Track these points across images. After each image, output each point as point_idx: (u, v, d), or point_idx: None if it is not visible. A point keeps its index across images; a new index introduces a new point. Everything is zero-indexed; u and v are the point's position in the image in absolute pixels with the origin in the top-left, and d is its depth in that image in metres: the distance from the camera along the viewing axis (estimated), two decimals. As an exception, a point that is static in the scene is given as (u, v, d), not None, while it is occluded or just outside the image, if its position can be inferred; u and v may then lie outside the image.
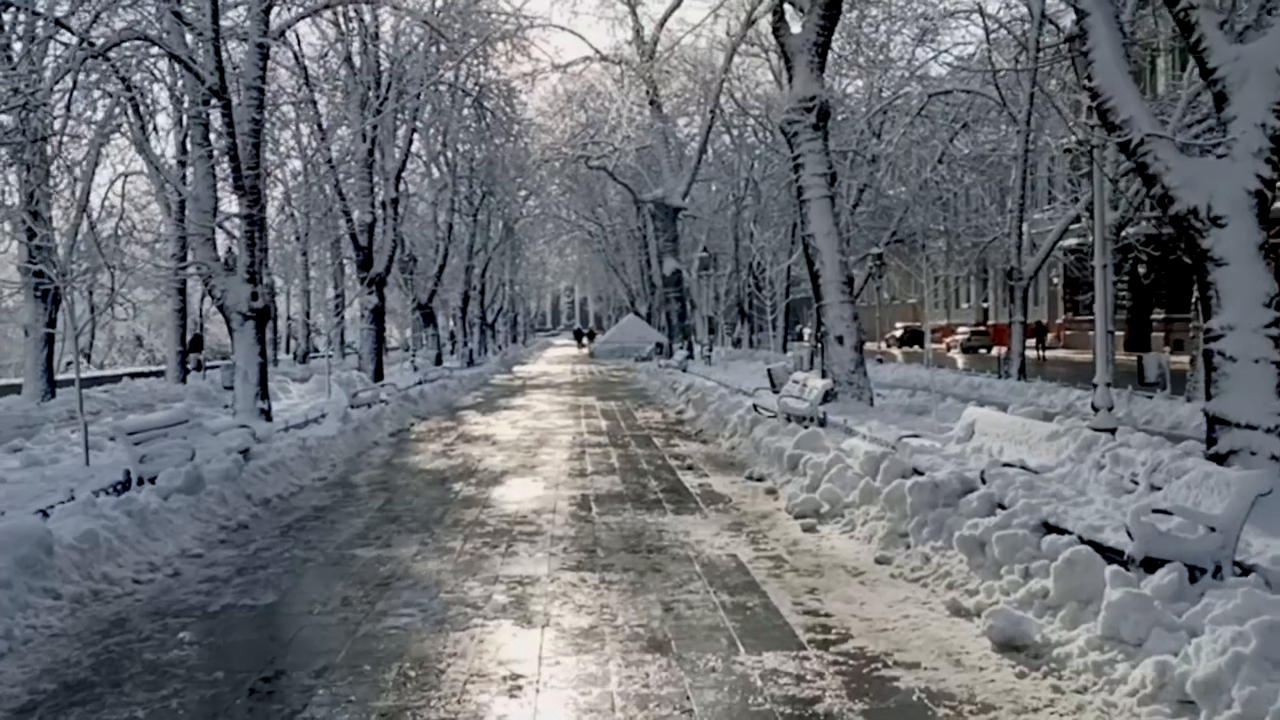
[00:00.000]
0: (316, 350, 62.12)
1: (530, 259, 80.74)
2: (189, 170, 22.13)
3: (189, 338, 44.31)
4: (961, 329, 56.22)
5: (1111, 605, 5.71)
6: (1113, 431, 11.20)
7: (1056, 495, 7.90)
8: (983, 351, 50.92)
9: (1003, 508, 8.05)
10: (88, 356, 50.60)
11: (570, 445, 17.08)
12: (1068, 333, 51.68)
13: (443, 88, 36.12)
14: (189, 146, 21.62)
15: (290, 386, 28.63)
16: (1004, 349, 32.41)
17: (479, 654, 6.21)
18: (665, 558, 8.65)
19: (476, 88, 35.59)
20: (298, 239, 48.43)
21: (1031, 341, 34.80)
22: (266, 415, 19.33)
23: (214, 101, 19.13)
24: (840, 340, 19.69)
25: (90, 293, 44.88)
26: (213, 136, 20.37)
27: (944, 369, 34.56)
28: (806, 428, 16.05)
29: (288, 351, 56.41)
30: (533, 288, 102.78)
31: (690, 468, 14.16)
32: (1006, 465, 9.00)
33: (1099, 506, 7.44)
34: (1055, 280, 51.18)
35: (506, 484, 12.97)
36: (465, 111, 38.92)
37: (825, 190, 20.14)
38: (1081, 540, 6.75)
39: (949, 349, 52.73)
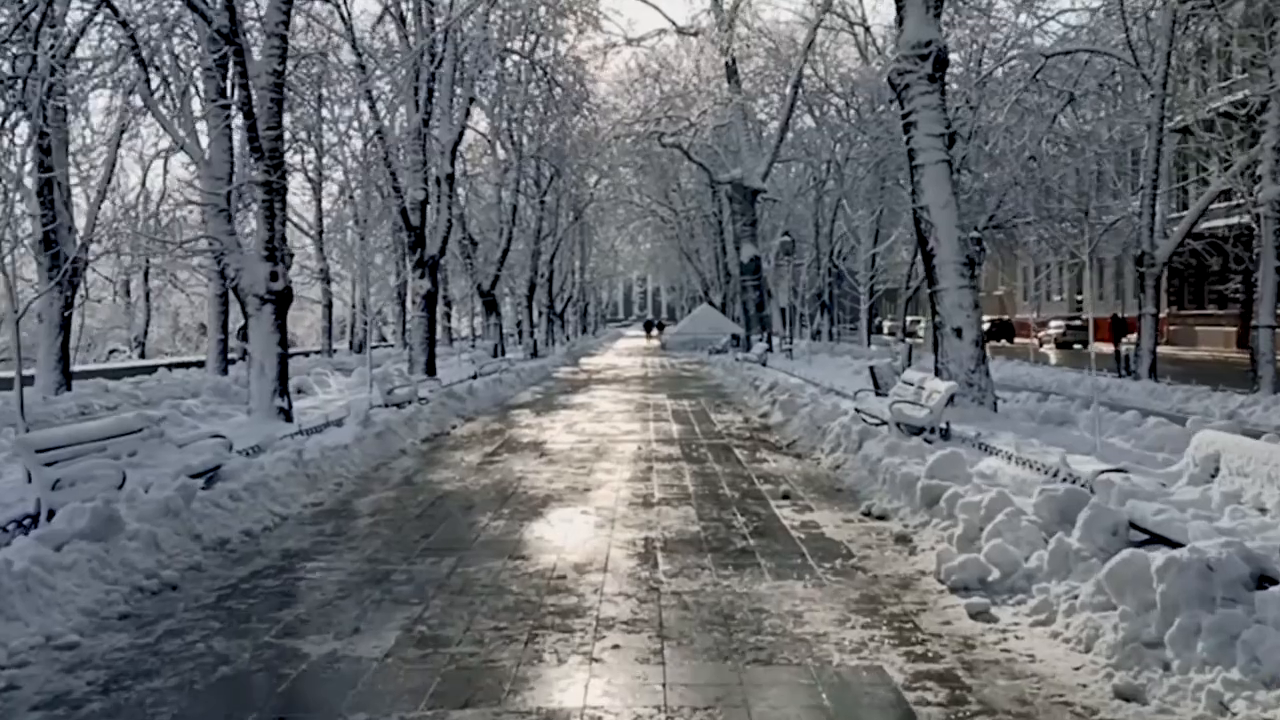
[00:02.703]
0: (384, 339, 59.92)
1: (601, 246, 78.29)
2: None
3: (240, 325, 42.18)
4: (1055, 322, 52.15)
5: None
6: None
7: None
8: (1077, 347, 47.03)
9: (1338, 615, 4.84)
10: (142, 345, 48.90)
11: (634, 459, 14.00)
12: (1172, 328, 47.66)
13: (508, 61, 33.42)
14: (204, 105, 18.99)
15: (330, 379, 26.02)
16: (1130, 344, 28.96)
17: None
18: (771, 672, 5.51)
19: (540, 48, 32.68)
20: (356, 223, 46.18)
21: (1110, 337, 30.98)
22: (286, 415, 16.66)
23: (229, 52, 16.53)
24: (958, 333, 16.54)
25: (147, 275, 43.09)
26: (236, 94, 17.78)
27: (1041, 365, 31.19)
28: (929, 441, 12.92)
29: (349, 343, 54.20)
30: (604, 277, 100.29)
31: (786, 496, 10.98)
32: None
33: None
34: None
35: (547, 518, 9.92)
36: (532, 88, 36.13)
37: (941, 154, 17.04)
38: None
39: (1040, 343, 48.87)
